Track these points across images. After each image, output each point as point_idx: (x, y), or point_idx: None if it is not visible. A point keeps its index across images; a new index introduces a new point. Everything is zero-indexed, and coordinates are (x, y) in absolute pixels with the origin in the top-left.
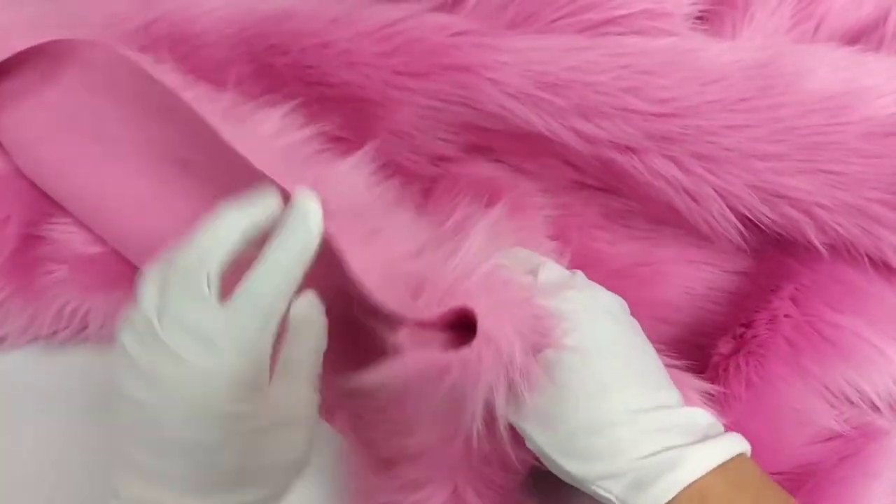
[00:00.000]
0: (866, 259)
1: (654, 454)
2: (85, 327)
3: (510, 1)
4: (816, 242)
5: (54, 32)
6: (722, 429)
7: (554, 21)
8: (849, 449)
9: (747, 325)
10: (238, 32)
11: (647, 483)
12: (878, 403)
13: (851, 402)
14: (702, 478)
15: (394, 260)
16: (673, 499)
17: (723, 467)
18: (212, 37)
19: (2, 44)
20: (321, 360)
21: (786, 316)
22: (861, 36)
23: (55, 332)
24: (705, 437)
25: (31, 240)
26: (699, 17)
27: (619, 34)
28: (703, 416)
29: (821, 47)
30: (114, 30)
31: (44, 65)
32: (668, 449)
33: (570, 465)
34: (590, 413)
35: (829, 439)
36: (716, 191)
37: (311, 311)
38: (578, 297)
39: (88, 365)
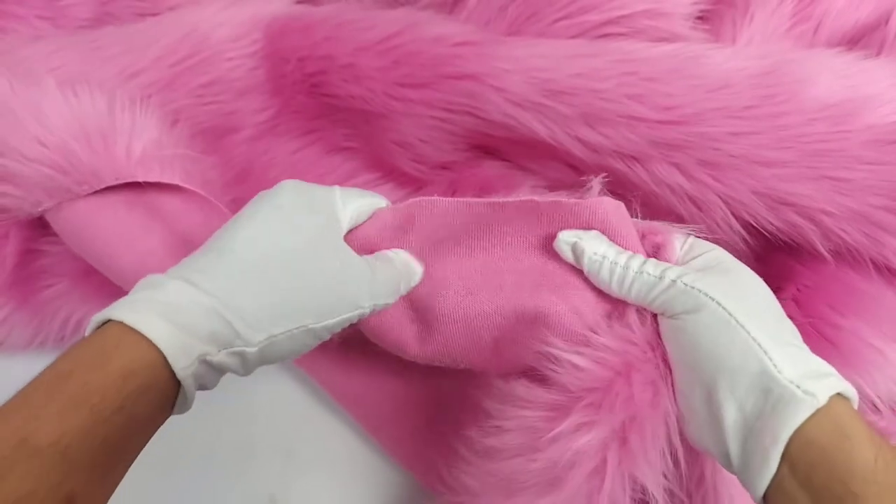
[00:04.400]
0: (870, 264)
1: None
2: None
3: (510, 2)
4: (821, 248)
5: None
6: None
7: (555, 22)
8: None
9: None
10: (259, 50)
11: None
12: (879, 405)
13: None
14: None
15: None
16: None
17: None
18: (226, 64)
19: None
20: (390, 292)
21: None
22: (861, 37)
23: (62, 338)
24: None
25: (30, 254)
26: (699, 17)
27: (619, 35)
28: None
29: (824, 53)
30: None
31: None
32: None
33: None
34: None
35: None
36: (720, 197)
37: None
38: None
39: None
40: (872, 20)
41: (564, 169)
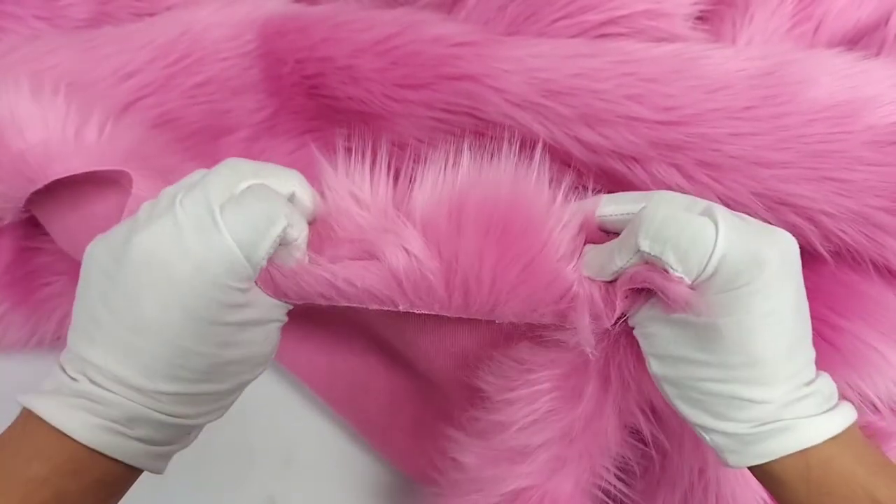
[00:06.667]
0: (870, 265)
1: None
2: None
3: (510, 1)
4: (821, 249)
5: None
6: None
7: (554, 21)
8: None
9: None
10: (254, 49)
11: (756, 442)
12: (880, 406)
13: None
14: (819, 446)
15: None
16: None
17: (842, 437)
18: (220, 64)
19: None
20: None
21: None
22: (861, 37)
23: (58, 338)
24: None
25: (28, 252)
26: (699, 18)
27: (619, 35)
28: (828, 386)
29: (824, 54)
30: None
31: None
32: (799, 418)
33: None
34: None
35: None
36: (720, 198)
37: None
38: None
39: None
40: (873, 20)
41: (564, 170)
